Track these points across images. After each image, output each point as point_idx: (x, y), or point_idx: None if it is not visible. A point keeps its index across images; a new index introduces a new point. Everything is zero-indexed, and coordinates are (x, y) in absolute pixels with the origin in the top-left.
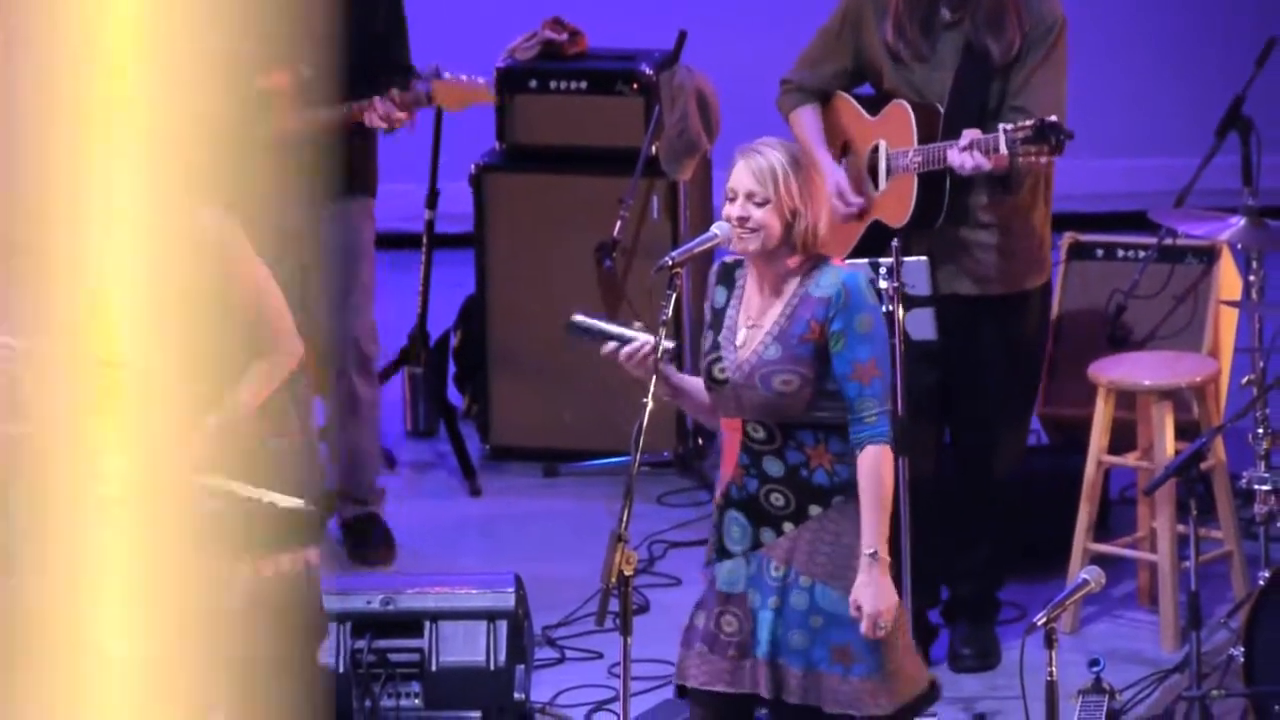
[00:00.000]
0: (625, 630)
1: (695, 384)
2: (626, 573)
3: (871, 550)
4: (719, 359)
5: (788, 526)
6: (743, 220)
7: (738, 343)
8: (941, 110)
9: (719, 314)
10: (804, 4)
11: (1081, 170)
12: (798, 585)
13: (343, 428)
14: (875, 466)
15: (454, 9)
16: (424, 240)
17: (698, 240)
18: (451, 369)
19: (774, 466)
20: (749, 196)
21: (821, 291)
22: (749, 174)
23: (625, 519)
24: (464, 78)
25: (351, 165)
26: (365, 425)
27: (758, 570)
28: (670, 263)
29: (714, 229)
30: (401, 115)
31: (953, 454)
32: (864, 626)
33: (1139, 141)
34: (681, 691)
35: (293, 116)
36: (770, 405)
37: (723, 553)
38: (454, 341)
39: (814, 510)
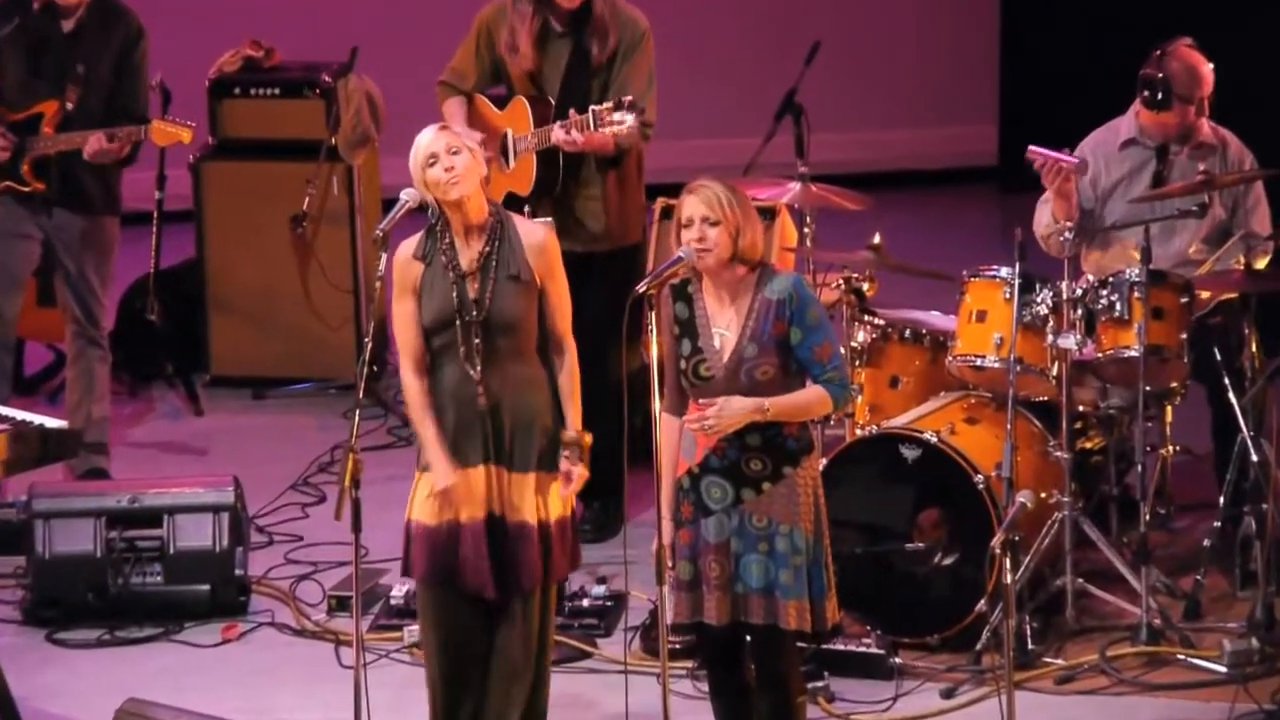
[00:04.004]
0: (356, 527)
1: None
2: (357, 477)
3: (767, 407)
4: (703, 360)
5: (766, 485)
6: (701, 240)
7: (717, 345)
8: (553, 101)
9: (687, 324)
10: (455, 22)
11: (668, 150)
12: (779, 532)
13: (84, 396)
14: (820, 395)
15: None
16: (155, 217)
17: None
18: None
19: (753, 438)
20: (704, 220)
21: (776, 295)
22: (700, 203)
23: (354, 436)
24: (176, 122)
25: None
26: (99, 397)
27: (739, 523)
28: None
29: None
30: (110, 148)
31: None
32: (707, 413)
33: (711, 125)
34: (677, 628)
35: (55, 140)
36: (752, 391)
37: (703, 510)
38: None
39: (787, 470)
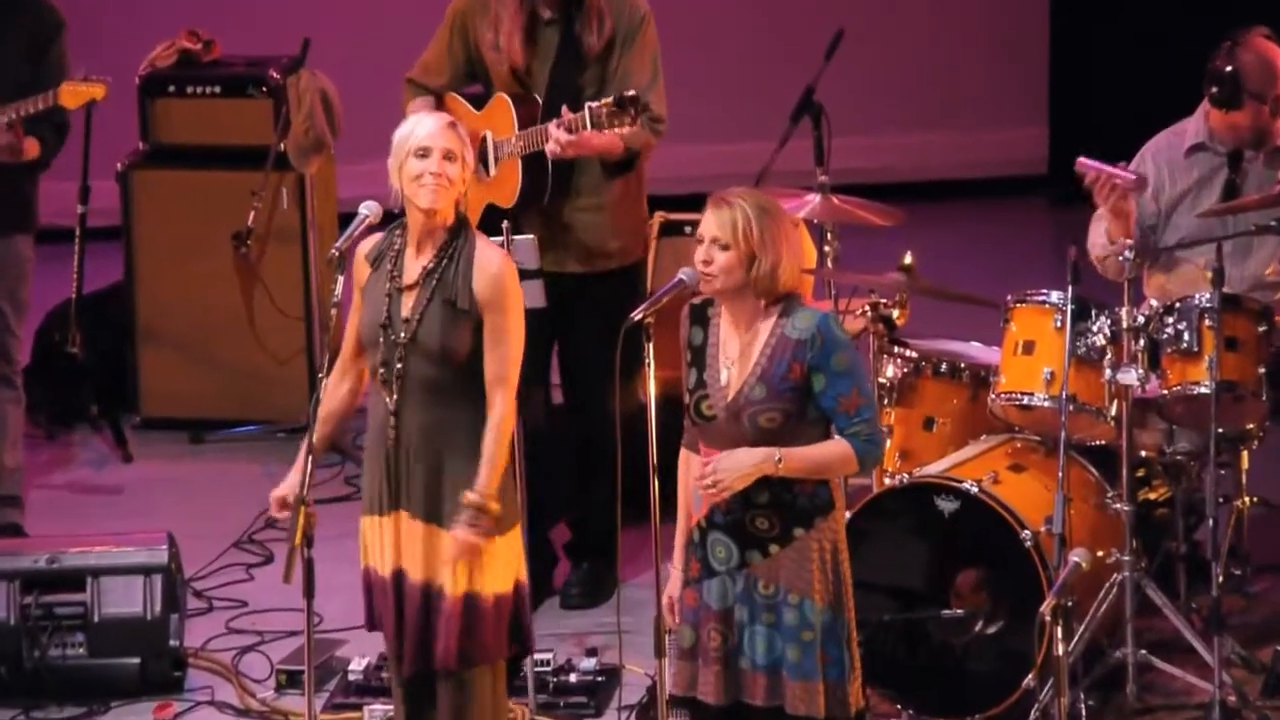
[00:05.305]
0: (308, 592)
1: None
2: (309, 533)
3: (779, 459)
4: (705, 396)
5: (774, 548)
6: (706, 263)
7: (722, 381)
8: (540, 100)
9: (699, 351)
10: (422, 9)
11: (667, 156)
12: (787, 602)
13: None
14: (843, 451)
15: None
16: (77, 234)
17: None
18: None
19: (760, 494)
20: (713, 241)
21: (798, 334)
22: (714, 221)
23: (306, 485)
24: (88, 80)
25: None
26: (12, 443)
27: (744, 588)
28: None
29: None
30: (8, 139)
31: (566, 408)
32: (706, 470)
33: (717, 128)
34: (673, 701)
35: None
36: (756, 440)
37: (709, 571)
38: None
39: (798, 532)
